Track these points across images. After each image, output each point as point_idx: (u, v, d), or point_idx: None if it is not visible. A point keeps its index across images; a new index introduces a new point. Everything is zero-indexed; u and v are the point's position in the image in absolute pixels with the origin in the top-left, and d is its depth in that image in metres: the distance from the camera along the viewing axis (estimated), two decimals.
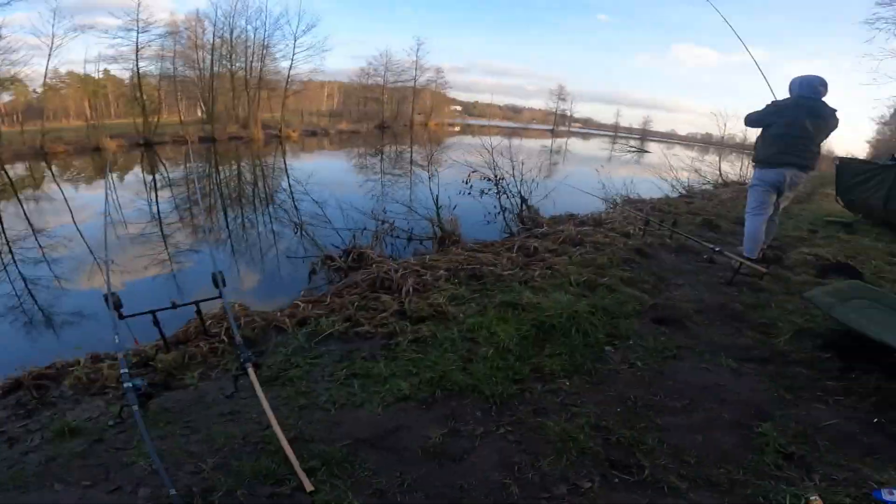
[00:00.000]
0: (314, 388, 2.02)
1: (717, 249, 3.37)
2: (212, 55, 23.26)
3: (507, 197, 4.92)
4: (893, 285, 3.73)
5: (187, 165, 14.00)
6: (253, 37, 23.47)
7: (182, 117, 23.43)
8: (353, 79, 39.15)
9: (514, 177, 4.98)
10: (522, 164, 5.06)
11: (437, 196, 4.40)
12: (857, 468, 1.57)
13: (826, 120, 3.44)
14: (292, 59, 24.24)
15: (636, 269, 3.28)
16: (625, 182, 6.77)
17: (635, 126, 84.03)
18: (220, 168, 14.17)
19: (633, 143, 42.11)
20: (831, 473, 1.54)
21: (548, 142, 45.52)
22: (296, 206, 6.89)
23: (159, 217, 6.61)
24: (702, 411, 1.91)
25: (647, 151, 32.50)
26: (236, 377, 2.05)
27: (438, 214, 4.27)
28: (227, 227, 6.39)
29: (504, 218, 4.96)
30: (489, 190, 4.92)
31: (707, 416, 1.88)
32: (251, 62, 23.79)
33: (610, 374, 2.20)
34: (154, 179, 12.22)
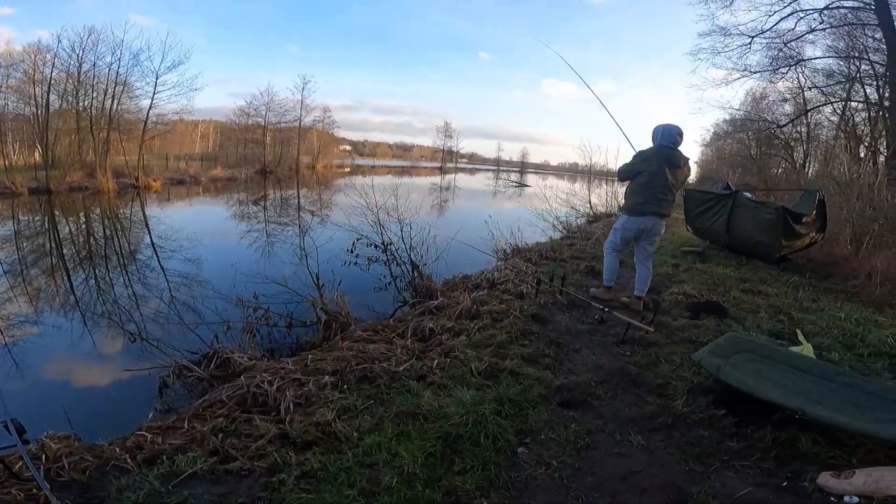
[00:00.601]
0: None
1: (605, 311, 3.44)
2: (48, 90, 19.78)
3: (398, 264, 4.65)
4: (753, 315, 4.17)
5: None
6: (107, 72, 20.43)
7: (13, 161, 19.28)
8: (232, 118, 36.27)
9: (402, 240, 4.74)
10: (411, 227, 4.84)
11: (318, 275, 3.93)
12: None
13: (682, 170, 3.96)
14: (152, 98, 21.33)
15: (535, 340, 3.18)
16: (512, 229, 6.95)
17: (515, 159, 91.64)
18: (37, 231, 10.94)
19: (514, 177, 45.36)
20: None
21: (437, 179, 47.23)
22: (136, 299, 5.22)
23: None
24: None
25: (526, 186, 35.26)
26: None
27: (321, 295, 3.81)
28: (37, 329, 4.45)
29: (396, 286, 4.68)
30: (377, 259, 4.63)
31: None
32: (103, 100, 20.62)
33: (527, 482, 1.99)
34: None
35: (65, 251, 8.68)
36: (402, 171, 57.07)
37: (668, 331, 3.56)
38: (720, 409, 2.46)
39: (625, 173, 4.07)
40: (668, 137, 3.90)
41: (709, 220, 7.45)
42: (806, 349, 3.29)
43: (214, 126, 43.37)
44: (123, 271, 6.91)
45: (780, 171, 21.30)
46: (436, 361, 2.81)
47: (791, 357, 2.74)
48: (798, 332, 3.46)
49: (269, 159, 32.73)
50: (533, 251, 6.18)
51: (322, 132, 42.64)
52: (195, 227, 10.06)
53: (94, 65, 20.43)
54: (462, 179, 50.87)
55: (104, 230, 11.11)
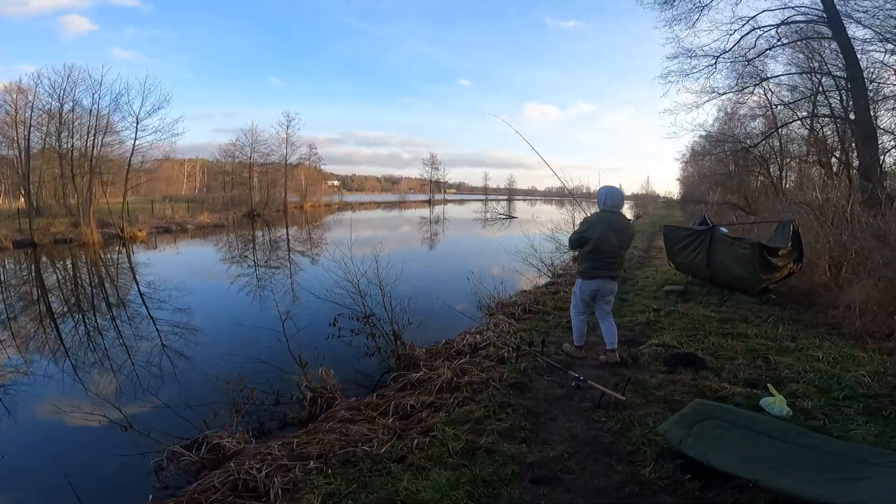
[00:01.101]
0: None
1: (581, 379, 3.58)
2: (28, 132, 19.61)
3: (381, 336, 4.81)
4: (731, 363, 4.30)
5: None
6: (90, 113, 20.36)
7: None
8: (218, 157, 36.56)
9: (385, 307, 4.91)
10: (391, 297, 5.00)
11: (301, 356, 4.07)
12: None
13: (625, 232, 4.28)
14: (134, 144, 21.10)
15: (512, 414, 3.30)
16: (495, 285, 7.12)
17: (502, 185, 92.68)
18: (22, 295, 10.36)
19: (501, 209, 45.79)
20: None
21: (426, 212, 47.81)
22: (117, 378, 5.06)
23: None
24: None
25: (514, 217, 35.74)
26: None
27: (305, 374, 3.94)
28: (24, 413, 4.42)
29: (380, 354, 4.81)
30: (359, 331, 4.78)
31: None
32: (85, 141, 20.46)
33: None
34: None
35: (45, 326, 8.08)
36: (391, 206, 57.76)
37: (645, 390, 3.68)
38: (685, 475, 2.59)
39: (574, 242, 4.38)
40: (610, 201, 4.27)
41: (689, 255, 7.65)
42: (778, 401, 3.40)
43: (201, 165, 43.41)
44: (104, 348, 6.52)
45: (758, 184, 21.66)
46: (415, 441, 2.93)
47: (753, 420, 2.86)
48: (769, 385, 3.58)
49: (256, 201, 32.71)
50: (517, 305, 6.32)
51: (309, 169, 42.88)
52: (178, 293, 9.72)
53: (74, 106, 20.42)
54: (451, 210, 51.41)
55: (87, 296, 10.58)
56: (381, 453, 2.86)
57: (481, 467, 2.69)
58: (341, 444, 2.93)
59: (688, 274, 8.16)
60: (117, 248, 17.84)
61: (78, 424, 3.86)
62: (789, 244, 6.67)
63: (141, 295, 10.20)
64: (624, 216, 4.40)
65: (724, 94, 13.58)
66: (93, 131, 20.46)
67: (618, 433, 3.09)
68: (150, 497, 2.86)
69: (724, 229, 7.56)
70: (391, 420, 3.20)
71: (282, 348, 4.21)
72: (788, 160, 19.37)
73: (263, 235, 24.22)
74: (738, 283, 6.95)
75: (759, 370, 4.22)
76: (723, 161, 22.89)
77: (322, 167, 47.23)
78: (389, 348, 4.76)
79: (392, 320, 4.79)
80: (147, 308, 8.91)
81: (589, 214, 4.68)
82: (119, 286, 11.62)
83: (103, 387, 4.90)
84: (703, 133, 18.77)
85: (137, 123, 20.84)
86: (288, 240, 22.64)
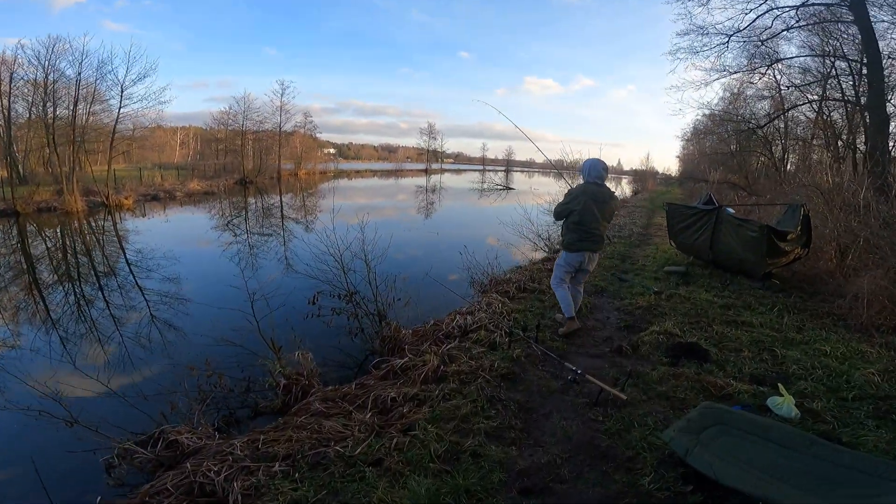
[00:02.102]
0: None
1: (578, 373, 3.30)
2: (9, 100, 19.59)
3: (365, 315, 4.47)
4: (735, 356, 4.05)
5: None
6: (76, 82, 19.93)
7: None
8: (211, 125, 35.93)
9: (370, 284, 4.55)
10: (376, 271, 4.63)
11: (273, 340, 3.71)
12: None
13: (608, 203, 4.27)
14: (119, 113, 20.81)
15: (502, 410, 3.01)
16: (488, 258, 6.79)
17: (500, 157, 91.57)
18: None
19: (498, 180, 45.28)
20: None
21: (422, 181, 46.93)
22: (62, 367, 4.30)
23: None
24: None
25: (511, 188, 35.34)
26: None
27: (280, 359, 3.61)
28: None
29: (364, 334, 4.47)
30: (342, 310, 4.43)
31: None
32: (73, 110, 20.05)
33: None
34: None
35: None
36: (388, 174, 56.71)
37: (646, 384, 3.41)
38: (688, 486, 2.35)
39: (558, 214, 4.38)
40: (595, 173, 4.25)
41: (692, 235, 7.34)
42: (786, 401, 3.17)
43: (194, 132, 42.67)
44: (56, 326, 5.84)
45: (759, 165, 21.87)
46: (394, 441, 2.65)
47: (764, 427, 2.60)
48: (780, 385, 3.33)
49: (248, 168, 32.16)
50: (511, 282, 5.99)
51: (304, 137, 42.40)
52: (151, 264, 9.05)
53: (59, 75, 20.17)
54: (448, 180, 50.56)
55: (48, 267, 9.60)
56: (355, 455, 2.58)
57: (465, 475, 2.42)
58: (312, 444, 2.65)
59: (689, 254, 7.86)
60: (102, 216, 17.25)
61: (19, 418, 3.27)
62: (798, 228, 6.36)
63: (102, 268, 9.52)
64: (607, 188, 4.33)
65: (736, 72, 13.42)
66: (77, 100, 20.00)
67: (616, 435, 2.83)
68: (99, 498, 2.60)
69: (731, 210, 7.22)
70: (369, 415, 2.91)
71: (256, 329, 3.84)
72: (795, 140, 19.23)
73: (254, 203, 23.49)
74: (742, 267, 6.67)
75: (765, 364, 3.98)
76: (725, 140, 22.91)
77: (318, 135, 46.71)
78: (374, 329, 4.44)
79: (377, 298, 4.45)
80: (112, 281, 8.29)
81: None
82: (88, 257, 10.79)
83: (47, 374, 4.12)
84: (709, 112, 18.55)
85: (122, 92, 20.55)
86: (273, 207, 22.05)
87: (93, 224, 15.89)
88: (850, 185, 7.78)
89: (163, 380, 3.67)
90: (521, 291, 5.67)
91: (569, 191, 4.39)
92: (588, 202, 4.13)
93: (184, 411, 3.15)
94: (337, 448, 2.62)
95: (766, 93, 17.34)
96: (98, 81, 20.45)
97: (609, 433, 2.85)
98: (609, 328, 4.66)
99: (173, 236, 13.58)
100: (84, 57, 19.74)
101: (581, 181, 4.40)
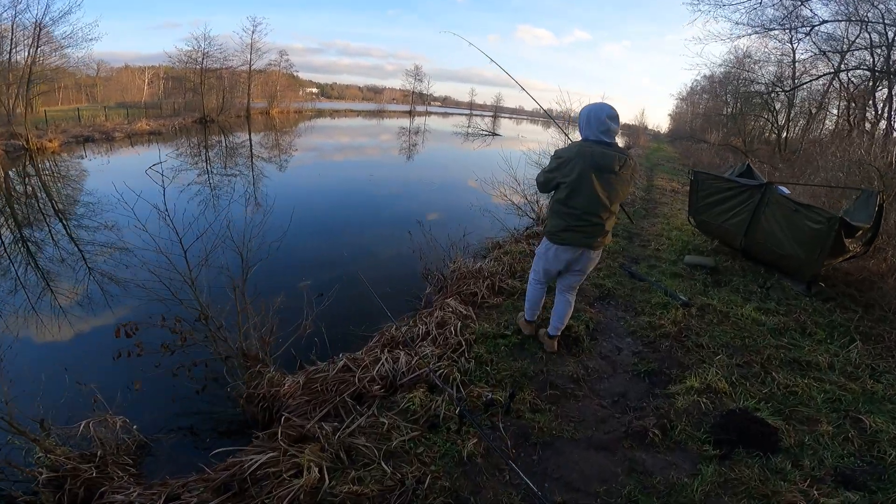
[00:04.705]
0: None
1: None
2: None
3: (227, 352, 2.65)
4: (811, 430, 2.56)
5: None
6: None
7: None
8: (169, 63, 33.30)
9: (235, 292, 2.74)
10: (250, 270, 2.80)
11: (40, 405, 1.97)
12: None
13: (619, 176, 2.64)
14: (35, 52, 18.24)
15: None
16: (458, 233, 5.01)
17: (489, 103, 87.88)
18: None
19: (485, 125, 43.07)
20: None
21: (406, 122, 43.57)
22: None
23: None
24: None
25: (497, 135, 33.65)
26: None
27: (47, 434, 1.90)
28: None
29: (218, 385, 2.64)
30: (178, 346, 2.68)
31: None
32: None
33: None
34: None
35: None
36: (371, 115, 52.98)
37: (677, 496, 1.89)
38: None
39: (542, 185, 2.87)
40: (595, 126, 2.60)
41: (721, 214, 5.69)
42: None
43: (165, 71, 39.98)
44: None
45: (754, 127, 21.88)
46: None
47: None
48: None
49: (210, 106, 29.69)
50: (481, 277, 4.22)
51: (280, 74, 39.99)
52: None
53: None
54: (432, 123, 47.46)
55: None
56: None
57: None
58: None
59: (712, 237, 6.27)
60: (22, 161, 14.58)
61: None
62: (871, 222, 4.78)
63: None
64: (618, 148, 2.67)
65: (772, 29, 13.16)
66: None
67: None
68: None
69: (785, 189, 5.52)
70: None
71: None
72: (807, 105, 18.58)
73: (196, 145, 20.34)
74: (782, 263, 5.13)
75: (851, 445, 2.55)
76: (722, 101, 22.71)
77: (297, 74, 44.07)
78: (240, 378, 2.66)
79: (247, 320, 2.61)
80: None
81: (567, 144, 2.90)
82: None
83: None
84: (710, 70, 18.30)
85: (39, 31, 17.94)
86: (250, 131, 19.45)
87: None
88: None
89: None
90: (494, 294, 3.97)
91: (557, 151, 2.77)
92: (586, 170, 2.58)
93: None
94: None
95: (779, 57, 17.16)
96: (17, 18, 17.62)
97: None
98: (621, 372, 3.08)
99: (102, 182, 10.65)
100: None
101: (579, 138, 2.75)
